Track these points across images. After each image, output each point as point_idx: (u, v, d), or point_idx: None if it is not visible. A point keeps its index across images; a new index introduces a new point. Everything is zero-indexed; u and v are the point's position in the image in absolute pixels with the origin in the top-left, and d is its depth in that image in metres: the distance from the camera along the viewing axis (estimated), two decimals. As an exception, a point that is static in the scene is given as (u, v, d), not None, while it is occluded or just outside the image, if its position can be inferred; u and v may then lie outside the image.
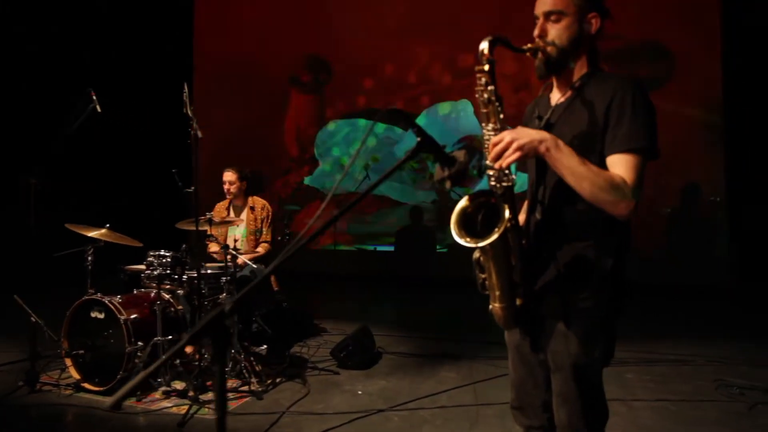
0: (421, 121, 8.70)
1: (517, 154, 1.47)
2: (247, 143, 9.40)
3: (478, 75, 1.52)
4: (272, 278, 4.69)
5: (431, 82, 8.73)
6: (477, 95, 1.54)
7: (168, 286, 3.82)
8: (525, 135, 1.50)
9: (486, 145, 1.55)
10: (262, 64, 9.49)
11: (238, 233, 4.63)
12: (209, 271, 3.92)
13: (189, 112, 3.46)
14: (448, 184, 1.44)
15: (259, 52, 9.51)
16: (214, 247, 4.48)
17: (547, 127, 1.67)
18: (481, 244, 1.48)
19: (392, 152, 8.68)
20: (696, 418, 3.17)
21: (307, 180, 9.37)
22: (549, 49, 1.63)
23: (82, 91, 3.95)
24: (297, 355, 4.43)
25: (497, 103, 1.52)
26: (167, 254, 3.72)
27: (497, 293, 1.59)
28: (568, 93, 1.68)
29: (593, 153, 1.56)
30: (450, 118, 8.58)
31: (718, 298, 6.46)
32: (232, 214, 4.65)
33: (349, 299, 7.44)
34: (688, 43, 7.26)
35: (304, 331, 5.08)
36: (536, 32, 1.64)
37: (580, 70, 1.67)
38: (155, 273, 3.67)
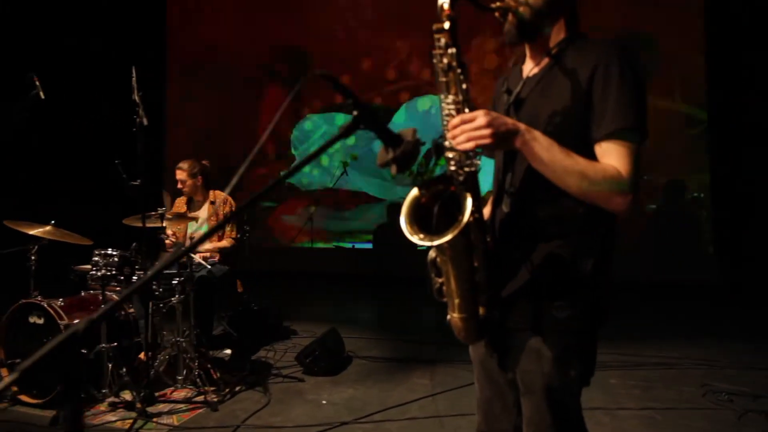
0: (400, 116, 8.45)
1: (489, 141, 1.21)
2: (222, 136, 9.09)
3: (437, 35, 1.26)
4: (238, 281, 4.39)
5: (411, 77, 8.47)
6: (435, 60, 1.27)
7: (117, 288, 3.52)
8: (500, 123, 1.24)
9: (445, 122, 1.28)
10: (237, 56, 9.19)
11: (200, 230, 4.32)
12: (164, 271, 3.62)
13: (136, 98, 3.16)
14: (393, 169, 1.17)
15: (234, 44, 9.21)
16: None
17: (518, 103, 1.41)
18: (437, 242, 1.22)
19: (371, 149, 8.41)
20: (684, 427, 2.95)
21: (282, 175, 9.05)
22: (521, 9, 1.36)
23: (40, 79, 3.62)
24: (261, 361, 4.15)
25: (459, 71, 1.26)
26: (114, 253, 3.41)
27: (456, 301, 1.33)
28: (544, 62, 1.42)
29: (575, 133, 1.31)
30: (430, 113, 8.32)
31: (703, 297, 6.29)
32: (196, 210, 4.34)
33: (324, 299, 7.17)
34: (672, 37, 7.05)
35: (272, 335, 4.79)
36: None
37: (557, 35, 1.41)
38: (99, 273, 3.35)
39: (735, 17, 6.58)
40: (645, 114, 1.27)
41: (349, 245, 8.67)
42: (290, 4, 8.90)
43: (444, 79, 1.29)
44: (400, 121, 8.40)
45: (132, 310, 3.64)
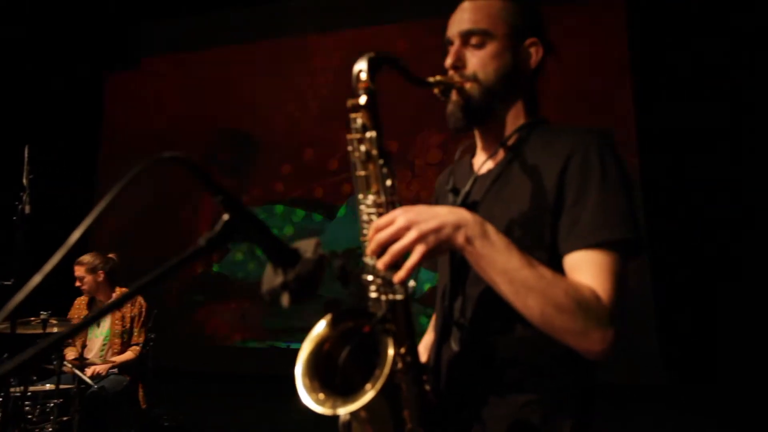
0: (342, 212, 8.17)
1: (419, 251, 0.85)
2: (156, 225, 8.50)
3: (352, 114, 0.92)
4: (140, 394, 3.74)
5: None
6: (350, 148, 0.93)
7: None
8: (430, 216, 0.88)
9: (365, 230, 0.92)
10: (176, 141, 8.80)
11: (99, 335, 3.72)
12: (46, 387, 3.00)
13: (25, 181, 2.71)
14: (285, 300, 0.79)
15: (173, 129, 8.85)
16: (71, 354, 3.56)
17: (467, 207, 1.07)
18: (342, 411, 0.82)
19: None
20: None
21: (216, 267, 8.49)
22: (469, 86, 1.06)
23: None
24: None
25: (382, 161, 0.91)
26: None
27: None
28: (499, 155, 1.10)
29: (540, 247, 0.97)
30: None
31: (651, 399, 5.99)
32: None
33: (252, 406, 6.44)
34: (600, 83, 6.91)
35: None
36: (449, 61, 1.08)
37: (515, 120, 1.10)
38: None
39: (662, 62, 6.58)
40: (637, 221, 0.95)
41: (284, 345, 8.05)
42: (232, 92, 8.74)
43: (362, 173, 0.94)
44: (341, 215, 8.11)
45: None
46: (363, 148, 0.92)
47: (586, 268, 0.94)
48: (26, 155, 2.85)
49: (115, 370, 3.50)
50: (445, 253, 1.08)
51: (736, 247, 5.84)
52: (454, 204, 1.09)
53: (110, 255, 3.83)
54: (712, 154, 5.94)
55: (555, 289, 0.90)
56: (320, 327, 0.93)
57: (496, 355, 0.99)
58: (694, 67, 6.02)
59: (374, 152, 0.91)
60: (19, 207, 2.62)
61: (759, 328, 5.50)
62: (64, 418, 2.94)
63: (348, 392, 0.84)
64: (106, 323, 3.67)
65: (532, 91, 1.13)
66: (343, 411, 0.81)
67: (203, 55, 8.88)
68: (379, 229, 0.88)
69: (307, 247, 0.79)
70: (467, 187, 1.10)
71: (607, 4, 7.03)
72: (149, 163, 0.76)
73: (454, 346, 1.04)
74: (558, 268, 0.96)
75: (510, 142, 1.08)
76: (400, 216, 0.88)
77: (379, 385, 0.80)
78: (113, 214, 8.88)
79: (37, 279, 0.74)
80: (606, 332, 0.90)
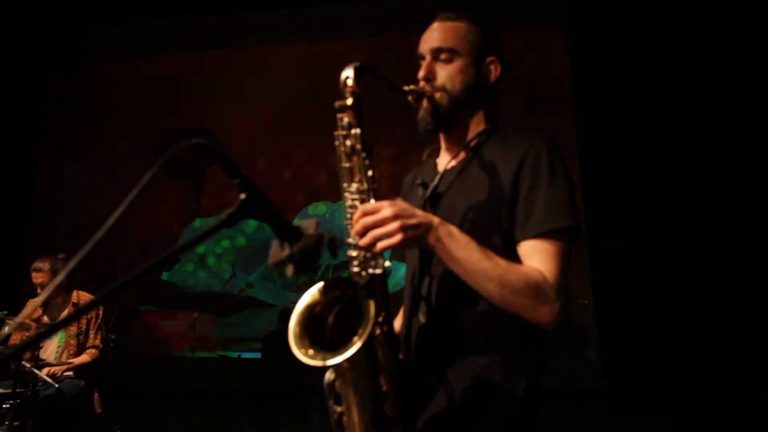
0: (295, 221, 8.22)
1: (398, 238, 1.01)
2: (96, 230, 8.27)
3: (339, 114, 1.08)
4: (95, 399, 3.72)
5: (306, 181, 8.37)
6: (336, 143, 1.08)
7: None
8: (411, 214, 1.05)
9: (348, 214, 1.07)
10: (124, 147, 8.58)
11: (55, 336, 3.68)
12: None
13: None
14: (289, 270, 0.93)
15: (121, 136, 8.60)
16: (26, 354, 3.50)
17: (435, 198, 1.25)
18: (332, 361, 0.96)
19: (264, 256, 8.01)
20: None
21: (165, 275, 8.35)
22: (438, 95, 1.24)
23: None
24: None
25: (364, 154, 1.07)
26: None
27: (360, 437, 1.05)
28: (462, 154, 1.28)
29: (496, 232, 1.15)
30: (324, 218, 8.19)
31: (590, 404, 6.29)
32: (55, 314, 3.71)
33: (203, 418, 6.38)
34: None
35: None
36: (422, 73, 1.26)
37: (476, 126, 1.29)
38: None
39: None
40: (577, 212, 1.14)
41: (236, 354, 7.99)
42: (183, 101, 8.61)
43: (347, 165, 1.10)
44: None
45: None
46: (348, 143, 1.08)
47: (537, 254, 1.13)
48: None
49: (71, 374, 3.47)
50: (413, 248, 1.24)
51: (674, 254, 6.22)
52: (424, 196, 1.26)
53: (60, 256, 3.79)
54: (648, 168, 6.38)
55: (509, 275, 1.08)
56: (311, 292, 1.06)
57: (458, 325, 1.16)
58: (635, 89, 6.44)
59: (358, 146, 1.07)
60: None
61: (696, 332, 5.88)
62: (14, 424, 2.90)
63: (336, 347, 0.98)
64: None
65: (492, 102, 1.32)
66: (333, 361, 0.95)
67: (155, 61, 8.78)
68: (366, 213, 1.03)
69: (308, 225, 0.93)
70: (435, 182, 1.28)
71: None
72: (176, 150, 0.88)
73: (422, 318, 1.20)
74: (512, 249, 1.14)
75: (472, 144, 1.27)
76: (386, 207, 1.04)
77: (365, 336, 0.95)
78: (55, 214, 8.52)
79: (72, 263, 0.84)
80: (553, 306, 1.09)
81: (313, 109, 8.16)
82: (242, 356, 7.92)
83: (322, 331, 1.04)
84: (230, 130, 8.49)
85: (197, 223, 8.45)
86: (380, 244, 1.01)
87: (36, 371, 2.98)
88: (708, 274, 5.98)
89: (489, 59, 1.29)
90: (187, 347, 7.74)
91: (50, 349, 3.62)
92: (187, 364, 7.78)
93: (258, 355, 7.84)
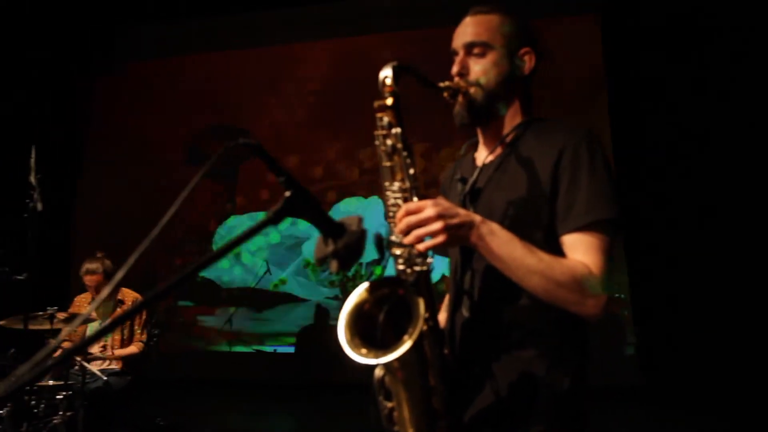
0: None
1: (441, 238, 1.02)
2: (139, 226, 8.41)
3: (379, 114, 1.09)
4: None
5: (338, 177, 8.41)
6: (377, 142, 1.10)
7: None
8: (454, 213, 1.06)
9: (391, 212, 1.09)
10: (160, 143, 8.71)
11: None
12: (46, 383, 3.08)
13: (33, 180, 2.81)
14: (333, 266, 0.95)
15: (158, 130, 8.73)
16: (93, 348, 3.64)
17: (474, 194, 1.25)
18: (384, 359, 0.98)
19: (298, 252, 8.13)
20: None
21: (202, 273, 8.50)
22: (473, 90, 1.24)
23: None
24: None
25: (405, 153, 1.08)
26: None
27: (410, 431, 1.07)
28: (499, 149, 1.28)
29: (537, 226, 1.14)
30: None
31: (628, 399, 6.20)
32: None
33: (241, 410, 6.51)
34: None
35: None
36: (455, 69, 1.26)
37: (512, 119, 1.29)
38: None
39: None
40: (619, 204, 1.13)
41: (271, 349, 8.12)
42: (218, 98, 8.72)
43: (388, 164, 1.11)
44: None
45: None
46: (389, 142, 1.09)
47: (581, 247, 1.13)
48: (33, 156, 2.95)
49: (118, 367, 3.59)
50: (455, 247, 1.25)
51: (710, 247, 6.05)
52: (463, 191, 1.27)
53: (98, 255, 3.92)
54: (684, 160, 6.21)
55: (554, 269, 1.08)
56: (359, 291, 1.08)
57: (501, 319, 1.17)
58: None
59: (399, 145, 1.09)
60: (30, 205, 2.72)
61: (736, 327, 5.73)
62: (67, 414, 3.01)
63: (386, 346, 0.99)
64: (107, 319, 3.76)
65: (528, 94, 1.32)
66: (386, 360, 0.96)
67: (190, 61, 8.89)
68: (409, 212, 1.04)
69: (351, 221, 0.95)
70: (474, 177, 1.28)
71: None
72: (226, 150, 0.91)
73: (465, 312, 1.21)
74: (554, 243, 1.14)
75: (509, 138, 1.27)
76: (430, 207, 1.04)
77: (415, 335, 0.96)
78: (98, 213, 8.73)
79: (131, 259, 0.87)
80: (599, 298, 1.09)
81: (343, 106, 8.22)
82: (277, 351, 8.05)
83: (371, 329, 1.06)
84: (263, 127, 8.58)
85: (231, 220, 8.59)
86: (424, 244, 1.02)
87: (87, 365, 3.09)
88: (749, 266, 5.80)
89: (523, 50, 1.28)
90: (224, 341, 7.88)
91: (96, 344, 3.74)
92: (225, 358, 7.92)
93: (292, 350, 7.95)
